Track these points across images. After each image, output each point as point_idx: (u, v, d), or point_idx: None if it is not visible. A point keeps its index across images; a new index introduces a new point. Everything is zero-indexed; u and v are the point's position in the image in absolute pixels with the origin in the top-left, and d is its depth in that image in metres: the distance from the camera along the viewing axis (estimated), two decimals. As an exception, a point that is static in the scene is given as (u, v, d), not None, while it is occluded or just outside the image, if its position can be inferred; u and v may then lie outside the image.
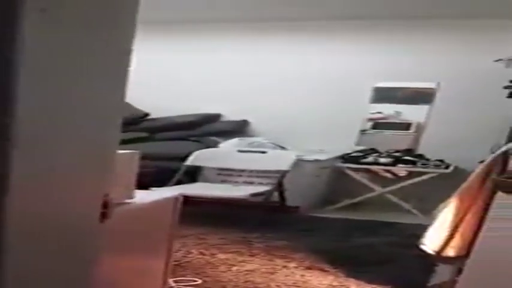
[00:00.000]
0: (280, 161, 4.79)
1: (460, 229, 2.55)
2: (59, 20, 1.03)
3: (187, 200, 4.60)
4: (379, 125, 5.70)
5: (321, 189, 5.31)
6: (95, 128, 1.21)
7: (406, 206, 5.05)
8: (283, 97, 5.97)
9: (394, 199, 5.15)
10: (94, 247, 1.27)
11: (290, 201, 4.90)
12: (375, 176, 5.54)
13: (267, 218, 4.35)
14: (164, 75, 6.21)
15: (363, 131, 5.68)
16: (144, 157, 5.25)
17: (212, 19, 5.94)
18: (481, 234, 2.35)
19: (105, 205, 1.29)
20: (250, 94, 6.02)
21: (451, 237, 2.56)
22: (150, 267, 2.09)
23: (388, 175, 5.60)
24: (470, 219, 2.51)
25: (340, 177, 5.41)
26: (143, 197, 2.02)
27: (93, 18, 1.14)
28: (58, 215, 1.14)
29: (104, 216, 1.28)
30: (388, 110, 5.72)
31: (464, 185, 2.57)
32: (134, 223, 1.93)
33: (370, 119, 5.70)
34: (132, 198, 1.94)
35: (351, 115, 5.66)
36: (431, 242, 2.62)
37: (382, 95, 5.76)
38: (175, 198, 2.15)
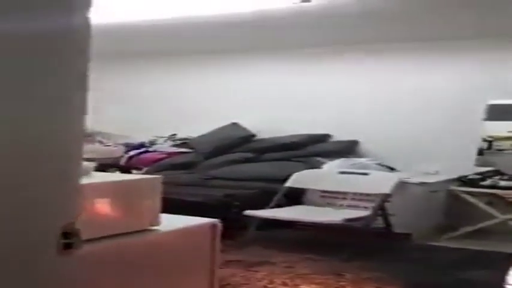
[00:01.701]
0: (381, 183, 4.49)
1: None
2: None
3: (286, 224, 4.58)
4: None
5: (435, 215, 4.91)
6: (48, 159, 1.17)
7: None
8: (395, 117, 5.69)
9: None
10: (52, 276, 1.21)
11: (399, 228, 4.56)
12: (499, 201, 5.05)
13: (370, 245, 4.09)
14: (276, 96, 6.19)
15: (482, 151, 5.23)
16: (245, 179, 5.30)
17: (319, 43, 5.85)
18: None
19: (68, 235, 1.22)
20: (361, 114, 5.81)
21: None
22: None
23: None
24: None
25: (456, 202, 4.99)
26: (173, 223, 1.94)
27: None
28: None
29: (67, 246, 1.22)
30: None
31: None
32: (158, 250, 1.86)
33: (509, 138, 5.24)
34: (156, 224, 1.87)
35: (467, 134, 5.25)
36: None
37: (497, 113, 5.27)
38: (213, 225, 2.04)
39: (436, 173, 5.22)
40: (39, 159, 1.17)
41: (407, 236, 4.59)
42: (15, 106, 1.12)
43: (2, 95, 1.09)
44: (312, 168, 5.18)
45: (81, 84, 1.23)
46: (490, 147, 5.22)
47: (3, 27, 1.08)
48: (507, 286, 2.26)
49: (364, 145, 5.80)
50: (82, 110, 1.25)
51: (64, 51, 1.20)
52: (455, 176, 5.07)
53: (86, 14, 1.23)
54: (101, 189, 1.72)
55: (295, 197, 4.95)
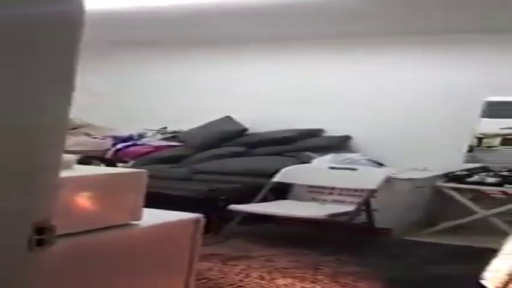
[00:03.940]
0: (369, 179, 4.53)
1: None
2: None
3: (270, 218, 4.63)
4: (508, 140, 5.26)
5: (417, 210, 4.96)
6: (16, 150, 1.16)
7: (511, 230, 4.56)
8: (387, 112, 5.72)
9: (499, 223, 4.68)
10: (23, 274, 1.22)
11: (381, 223, 4.61)
12: (483, 197, 5.10)
13: (351, 240, 4.15)
14: (270, 90, 6.20)
15: (471, 148, 5.27)
16: (232, 173, 5.32)
17: (311, 35, 5.87)
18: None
19: (42, 231, 1.24)
20: (354, 109, 5.84)
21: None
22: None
23: (500, 196, 5.13)
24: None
25: (441, 198, 5.04)
26: (155, 218, 1.97)
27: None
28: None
29: (40, 243, 1.23)
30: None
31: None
32: (138, 245, 1.89)
33: (499, 135, 5.28)
34: (138, 219, 1.89)
35: (460, 131, 5.28)
36: (493, 275, 2.33)
37: (494, 110, 5.31)
38: (196, 220, 2.07)
39: (425, 169, 5.27)
40: (12, 150, 1.14)
41: (387, 231, 4.64)
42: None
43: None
44: (302, 163, 5.21)
45: (67, 73, 1.20)
46: (479, 144, 5.26)
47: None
48: (482, 281, 2.30)
49: (356, 140, 5.83)
50: (66, 100, 1.21)
51: (53, 37, 1.17)
52: (443, 172, 5.12)
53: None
54: (81, 183, 1.74)
55: (283, 192, 4.99)
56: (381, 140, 5.66)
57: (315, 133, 5.90)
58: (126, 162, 5.42)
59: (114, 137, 6.04)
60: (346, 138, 5.84)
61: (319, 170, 4.98)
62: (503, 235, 4.54)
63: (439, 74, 5.58)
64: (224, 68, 6.38)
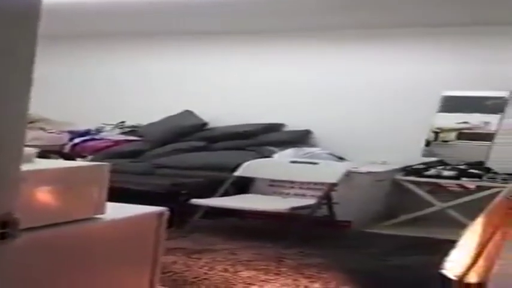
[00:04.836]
0: (329, 173, 4.58)
1: (486, 251, 2.28)
2: None
3: (232, 212, 4.63)
4: (463, 135, 5.38)
5: (376, 203, 5.04)
6: None
7: (467, 222, 4.67)
8: (347, 107, 5.78)
9: (455, 215, 4.79)
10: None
11: (342, 216, 4.67)
12: (440, 190, 5.21)
13: (313, 233, 4.19)
14: (231, 84, 6.18)
15: (429, 142, 5.38)
16: (193, 167, 5.28)
17: (274, 29, 5.88)
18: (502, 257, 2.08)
19: (5, 224, 1.21)
20: (315, 104, 5.87)
21: (475, 260, 2.29)
22: (130, 285, 2.00)
23: (457, 189, 5.26)
24: (498, 239, 2.24)
25: (400, 191, 5.13)
26: (119, 212, 1.94)
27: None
28: None
29: (3, 236, 1.20)
30: (475, 119, 5.39)
31: (496, 201, 2.31)
32: (102, 238, 1.85)
33: (455, 129, 5.40)
34: (101, 213, 1.86)
35: (418, 125, 5.38)
36: (453, 265, 2.37)
37: (451, 104, 5.43)
38: (159, 214, 2.05)
39: (384, 163, 5.35)
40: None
41: (348, 223, 4.70)
42: None
43: None
44: (263, 157, 5.22)
45: (25, 66, 1.18)
46: (436, 138, 5.37)
47: None
48: (442, 271, 2.34)
49: (317, 135, 5.87)
50: (25, 93, 1.20)
51: (10, 29, 1.14)
52: (401, 166, 5.20)
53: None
54: (43, 176, 1.71)
55: (245, 186, 4.99)
56: (341, 134, 5.72)
57: (276, 127, 5.92)
58: (84, 157, 5.32)
59: (71, 132, 5.92)
60: (307, 133, 5.89)
61: (281, 164, 5.00)
62: (460, 226, 4.67)
63: (397, 69, 5.67)
64: (183, 62, 6.33)
